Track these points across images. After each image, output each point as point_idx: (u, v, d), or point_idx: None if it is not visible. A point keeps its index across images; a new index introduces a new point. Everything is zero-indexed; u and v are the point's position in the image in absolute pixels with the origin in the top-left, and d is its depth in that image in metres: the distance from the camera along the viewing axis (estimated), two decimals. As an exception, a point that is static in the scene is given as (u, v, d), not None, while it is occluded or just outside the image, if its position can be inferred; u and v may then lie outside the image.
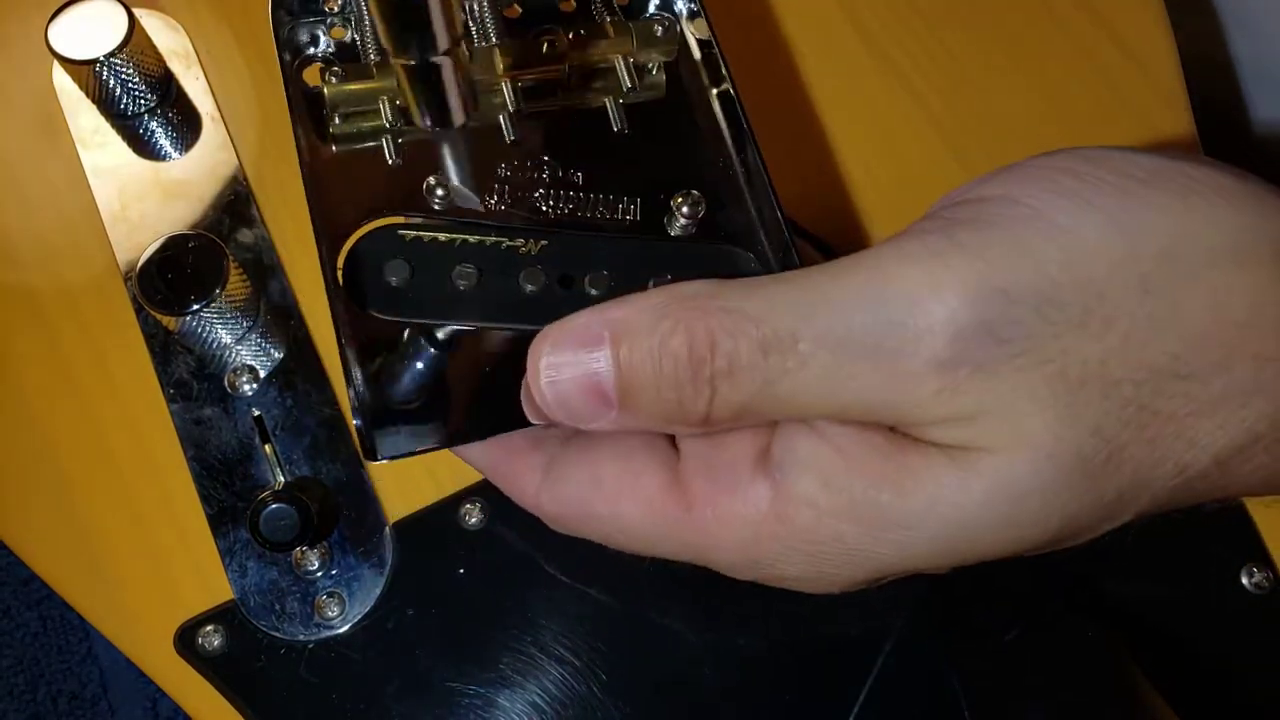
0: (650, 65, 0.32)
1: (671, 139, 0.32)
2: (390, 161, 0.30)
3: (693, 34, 0.33)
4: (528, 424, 0.27)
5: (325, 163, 0.30)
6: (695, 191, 0.30)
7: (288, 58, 0.31)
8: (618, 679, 0.32)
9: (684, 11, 0.33)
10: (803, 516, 0.23)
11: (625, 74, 0.31)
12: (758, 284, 0.23)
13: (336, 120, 0.30)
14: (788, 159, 0.32)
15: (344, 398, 0.34)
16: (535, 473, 0.27)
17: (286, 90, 0.30)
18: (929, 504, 0.22)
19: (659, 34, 0.32)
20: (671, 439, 0.27)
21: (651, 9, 0.33)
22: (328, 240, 0.28)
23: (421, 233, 0.29)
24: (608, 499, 0.26)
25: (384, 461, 0.27)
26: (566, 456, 0.27)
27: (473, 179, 0.30)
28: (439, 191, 0.29)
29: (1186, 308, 0.21)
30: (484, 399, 0.28)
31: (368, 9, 0.31)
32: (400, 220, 0.29)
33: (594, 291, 0.28)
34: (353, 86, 0.30)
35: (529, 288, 0.28)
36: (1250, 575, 0.34)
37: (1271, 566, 0.35)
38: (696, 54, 0.33)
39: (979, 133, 0.40)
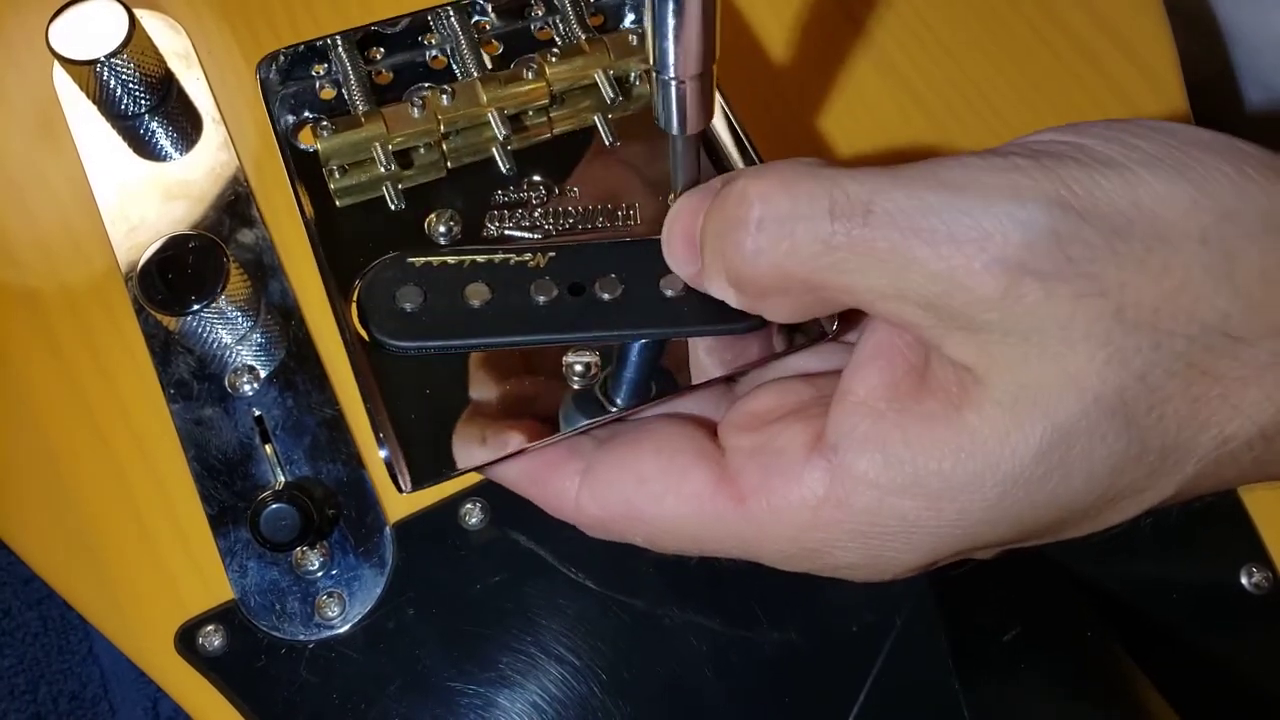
0: (632, 76, 0.33)
1: (662, 142, 0.32)
2: (393, 207, 0.30)
3: None
4: (552, 436, 0.27)
5: (330, 220, 0.31)
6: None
7: (281, 127, 0.32)
8: (618, 679, 0.32)
9: None
10: (863, 497, 0.23)
11: (607, 86, 0.32)
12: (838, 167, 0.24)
13: (336, 175, 0.31)
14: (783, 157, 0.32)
15: (344, 397, 0.34)
16: (573, 479, 0.27)
17: (283, 155, 0.31)
18: (990, 462, 0.22)
19: (634, 43, 0.32)
20: (714, 435, 0.27)
21: (626, 25, 0.34)
22: (340, 292, 0.29)
23: (430, 258, 0.29)
24: (653, 497, 0.25)
25: (416, 491, 0.27)
26: (605, 459, 0.27)
27: (474, 210, 0.31)
28: (442, 228, 0.30)
29: (1240, 266, 0.21)
30: (509, 416, 0.28)
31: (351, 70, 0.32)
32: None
33: (605, 296, 0.28)
34: (345, 138, 0.30)
35: (541, 299, 0.28)
36: (1250, 575, 0.34)
37: (1271, 566, 0.35)
38: None
39: (978, 132, 0.40)
